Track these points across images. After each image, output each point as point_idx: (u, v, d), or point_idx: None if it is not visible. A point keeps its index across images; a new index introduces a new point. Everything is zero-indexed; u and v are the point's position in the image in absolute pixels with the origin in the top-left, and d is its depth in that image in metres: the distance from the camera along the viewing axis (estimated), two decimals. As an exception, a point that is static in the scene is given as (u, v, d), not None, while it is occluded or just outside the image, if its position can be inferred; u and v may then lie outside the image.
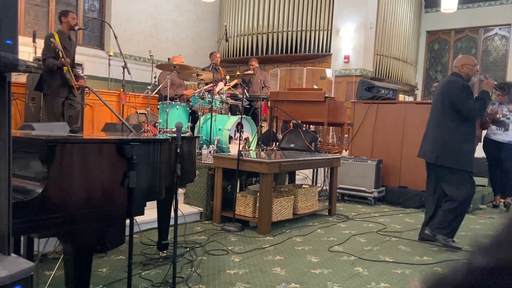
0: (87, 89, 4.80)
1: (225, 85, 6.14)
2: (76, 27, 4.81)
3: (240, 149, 4.17)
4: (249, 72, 6.58)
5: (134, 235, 3.48)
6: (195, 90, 5.95)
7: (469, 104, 3.54)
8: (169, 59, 7.64)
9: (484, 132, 5.92)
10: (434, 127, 3.75)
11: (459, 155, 3.61)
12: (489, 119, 5.61)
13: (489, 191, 6.15)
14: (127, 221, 2.02)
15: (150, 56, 7.53)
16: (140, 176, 1.97)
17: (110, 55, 7.61)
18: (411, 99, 11.05)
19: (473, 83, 3.71)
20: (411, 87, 11.42)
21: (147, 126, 5.27)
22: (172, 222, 3.21)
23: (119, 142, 1.86)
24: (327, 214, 4.84)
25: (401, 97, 9.82)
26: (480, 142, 5.98)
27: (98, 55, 8.82)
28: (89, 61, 8.02)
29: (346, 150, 7.04)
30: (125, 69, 4.99)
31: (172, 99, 5.67)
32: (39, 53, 5.93)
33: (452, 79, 3.71)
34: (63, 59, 4.55)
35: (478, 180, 6.58)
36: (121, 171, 1.87)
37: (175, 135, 2.46)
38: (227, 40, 5.47)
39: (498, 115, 5.62)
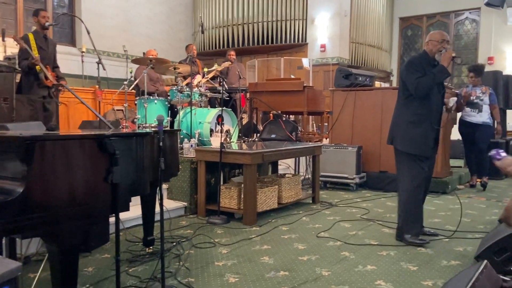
0: (61, 87, 4.68)
1: (203, 77, 6.08)
2: (47, 24, 4.68)
3: (222, 141, 4.15)
4: (227, 62, 6.53)
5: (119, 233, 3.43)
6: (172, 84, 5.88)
7: (411, 79, 3.24)
8: (144, 53, 7.52)
9: (459, 115, 6.06)
10: (394, 108, 3.56)
11: (407, 137, 3.34)
12: (464, 101, 5.73)
13: (466, 171, 6.32)
14: (112, 219, 1.99)
15: (124, 51, 7.38)
16: (124, 171, 1.93)
17: (82, 52, 7.43)
18: (387, 85, 11.21)
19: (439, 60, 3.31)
20: (386, 73, 11.59)
21: (126, 122, 5.18)
22: (157, 217, 3.18)
23: (100, 137, 1.82)
24: (311, 202, 4.88)
25: (377, 83, 9.95)
26: (456, 124, 6.13)
27: (70, 52, 8.59)
28: (61, 58, 7.77)
29: (326, 138, 7.10)
30: (100, 65, 4.90)
31: (151, 93, 5.58)
32: (9, 52, 5.76)
33: (409, 58, 3.52)
34: (32, 59, 4.43)
35: (454, 162, 6.77)
36: (104, 167, 1.83)
37: (154, 130, 2.43)
38: (202, 32, 5.41)
39: (472, 97, 5.75)
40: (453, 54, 3.26)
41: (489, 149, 5.95)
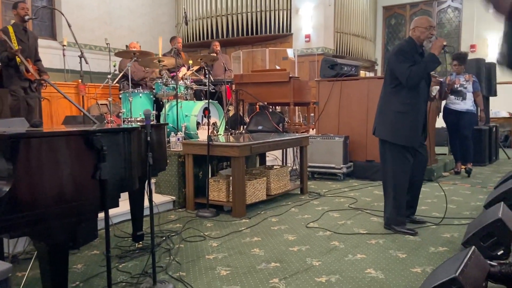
0: (43, 81, 4.58)
1: (188, 70, 6.02)
2: (26, 17, 4.57)
3: (209, 134, 4.12)
4: (212, 54, 6.48)
5: (107, 229, 3.40)
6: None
7: (402, 68, 3.16)
8: (127, 46, 7.40)
9: (443, 103, 6.13)
10: (379, 99, 3.47)
11: (394, 127, 3.28)
12: (448, 89, 5.80)
13: (451, 158, 6.41)
14: (100, 215, 1.96)
15: (107, 44, 7.25)
16: (112, 167, 1.90)
17: (64, 45, 7.27)
18: (371, 74, 11.28)
19: (428, 48, 3.27)
20: (371, 62, 11.64)
21: (110, 117, 5.11)
22: (145, 212, 3.16)
23: (88, 133, 1.78)
24: (299, 192, 4.90)
25: (362, 73, 10.00)
26: (440, 112, 6.21)
27: (51, 45, 8.41)
28: (41, 52, 7.59)
29: (312, 129, 7.12)
30: (82, 59, 4.79)
31: (137, 84, 5.49)
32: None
33: (397, 44, 3.37)
34: (11, 49, 4.32)
35: (439, 149, 6.88)
36: (91, 163, 1.80)
37: (139, 124, 2.40)
38: (186, 23, 5.34)
39: (456, 85, 5.82)
40: (444, 43, 3.20)
41: (473, 136, 6.07)
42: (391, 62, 3.31)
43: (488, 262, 2.09)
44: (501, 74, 7.29)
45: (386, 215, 3.47)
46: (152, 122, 4.28)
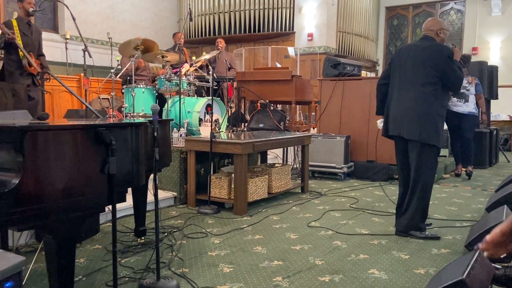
0: (46, 74, 4.55)
1: (191, 66, 6.01)
2: (31, 9, 4.54)
3: (212, 131, 4.11)
4: (215, 51, 6.47)
5: (109, 224, 3.39)
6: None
7: (458, 72, 3.14)
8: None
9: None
10: (410, 99, 3.22)
11: (437, 131, 3.18)
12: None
13: (451, 161, 6.42)
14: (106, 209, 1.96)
15: (109, 38, 7.24)
16: (120, 162, 1.90)
17: (66, 38, 7.26)
18: (372, 75, 11.27)
19: None
20: (372, 63, 11.64)
21: (112, 111, 5.10)
22: (148, 208, 3.16)
23: (97, 127, 1.78)
24: (300, 191, 4.90)
25: (363, 73, 9.99)
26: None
27: (52, 38, 8.39)
28: (43, 45, 7.63)
29: (313, 128, 7.12)
30: (86, 53, 4.77)
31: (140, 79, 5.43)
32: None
33: (438, 45, 3.20)
34: (8, 35, 4.25)
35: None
36: (100, 157, 1.79)
37: (142, 119, 2.39)
38: (191, 20, 5.32)
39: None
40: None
41: (474, 138, 6.09)
42: (441, 64, 3.13)
43: (493, 265, 2.09)
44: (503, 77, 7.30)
45: (405, 221, 3.29)
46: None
